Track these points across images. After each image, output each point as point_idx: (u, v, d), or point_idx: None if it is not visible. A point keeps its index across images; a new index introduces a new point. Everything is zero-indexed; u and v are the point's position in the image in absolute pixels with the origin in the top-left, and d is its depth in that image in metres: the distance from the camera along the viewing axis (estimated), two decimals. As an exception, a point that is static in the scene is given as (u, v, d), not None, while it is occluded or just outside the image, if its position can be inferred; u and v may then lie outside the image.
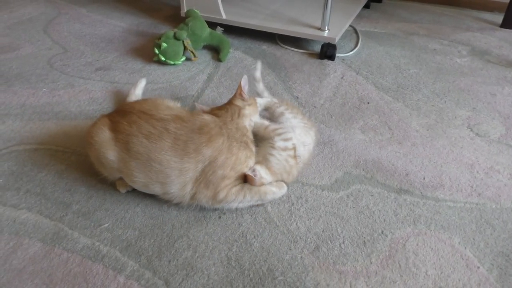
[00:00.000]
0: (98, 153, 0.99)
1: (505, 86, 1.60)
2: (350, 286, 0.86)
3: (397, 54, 1.84)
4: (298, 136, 1.12)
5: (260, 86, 1.33)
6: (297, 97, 1.50)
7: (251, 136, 1.08)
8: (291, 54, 1.81)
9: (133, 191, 1.08)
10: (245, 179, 1.00)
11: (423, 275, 0.88)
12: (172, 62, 1.67)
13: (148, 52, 1.77)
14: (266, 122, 1.13)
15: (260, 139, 1.12)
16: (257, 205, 1.04)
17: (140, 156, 0.96)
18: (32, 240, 0.94)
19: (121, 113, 1.03)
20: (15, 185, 1.09)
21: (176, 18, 2.10)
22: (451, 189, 1.11)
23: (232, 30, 1.92)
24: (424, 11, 2.36)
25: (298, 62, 1.74)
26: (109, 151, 0.98)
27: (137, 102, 1.11)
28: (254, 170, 0.99)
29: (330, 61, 1.75)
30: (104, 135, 0.99)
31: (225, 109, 1.09)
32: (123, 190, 1.07)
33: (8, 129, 1.30)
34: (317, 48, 1.82)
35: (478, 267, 0.90)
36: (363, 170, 1.17)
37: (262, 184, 1.01)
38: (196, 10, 1.81)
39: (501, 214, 1.04)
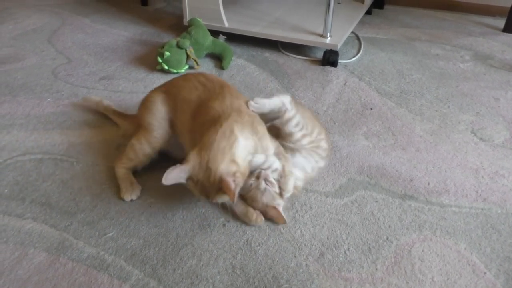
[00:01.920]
0: (156, 111, 1.13)
1: (508, 91, 1.59)
2: (356, 294, 0.86)
3: (399, 59, 1.84)
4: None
5: None
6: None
7: None
8: (293, 61, 1.82)
9: (138, 200, 1.08)
10: (268, 211, 1.00)
11: (429, 281, 0.88)
12: (175, 71, 1.68)
13: (151, 61, 1.78)
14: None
15: None
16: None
17: (181, 116, 1.10)
18: (37, 250, 0.95)
19: (181, 79, 1.18)
20: (20, 195, 1.10)
21: (179, 27, 2.11)
22: (456, 194, 1.10)
23: (235, 38, 1.93)
24: (426, 16, 2.37)
25: (301, 69, 1.75)
26: (163, 107, 1.13)
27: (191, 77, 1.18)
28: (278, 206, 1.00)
29: (333, 67, 1.76)
30: (160, 96, 1.16)
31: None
32: (127, 199, 1.07)
33: (13, 139, 1.31)
34: (320, 54, 1.82)
35: (485, 273, 0.89)
36: (367, 176, 1.17)
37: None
38: (198, 19, 1.83)
39: (507, 219, 1.03)
